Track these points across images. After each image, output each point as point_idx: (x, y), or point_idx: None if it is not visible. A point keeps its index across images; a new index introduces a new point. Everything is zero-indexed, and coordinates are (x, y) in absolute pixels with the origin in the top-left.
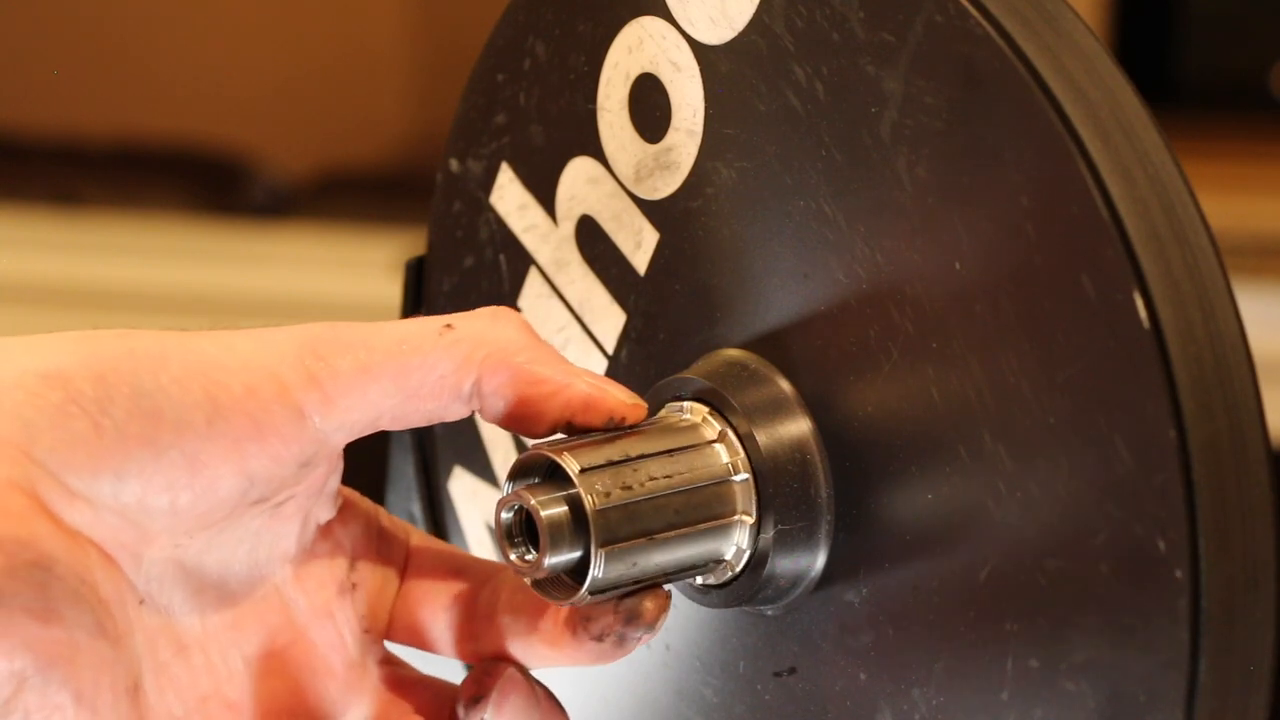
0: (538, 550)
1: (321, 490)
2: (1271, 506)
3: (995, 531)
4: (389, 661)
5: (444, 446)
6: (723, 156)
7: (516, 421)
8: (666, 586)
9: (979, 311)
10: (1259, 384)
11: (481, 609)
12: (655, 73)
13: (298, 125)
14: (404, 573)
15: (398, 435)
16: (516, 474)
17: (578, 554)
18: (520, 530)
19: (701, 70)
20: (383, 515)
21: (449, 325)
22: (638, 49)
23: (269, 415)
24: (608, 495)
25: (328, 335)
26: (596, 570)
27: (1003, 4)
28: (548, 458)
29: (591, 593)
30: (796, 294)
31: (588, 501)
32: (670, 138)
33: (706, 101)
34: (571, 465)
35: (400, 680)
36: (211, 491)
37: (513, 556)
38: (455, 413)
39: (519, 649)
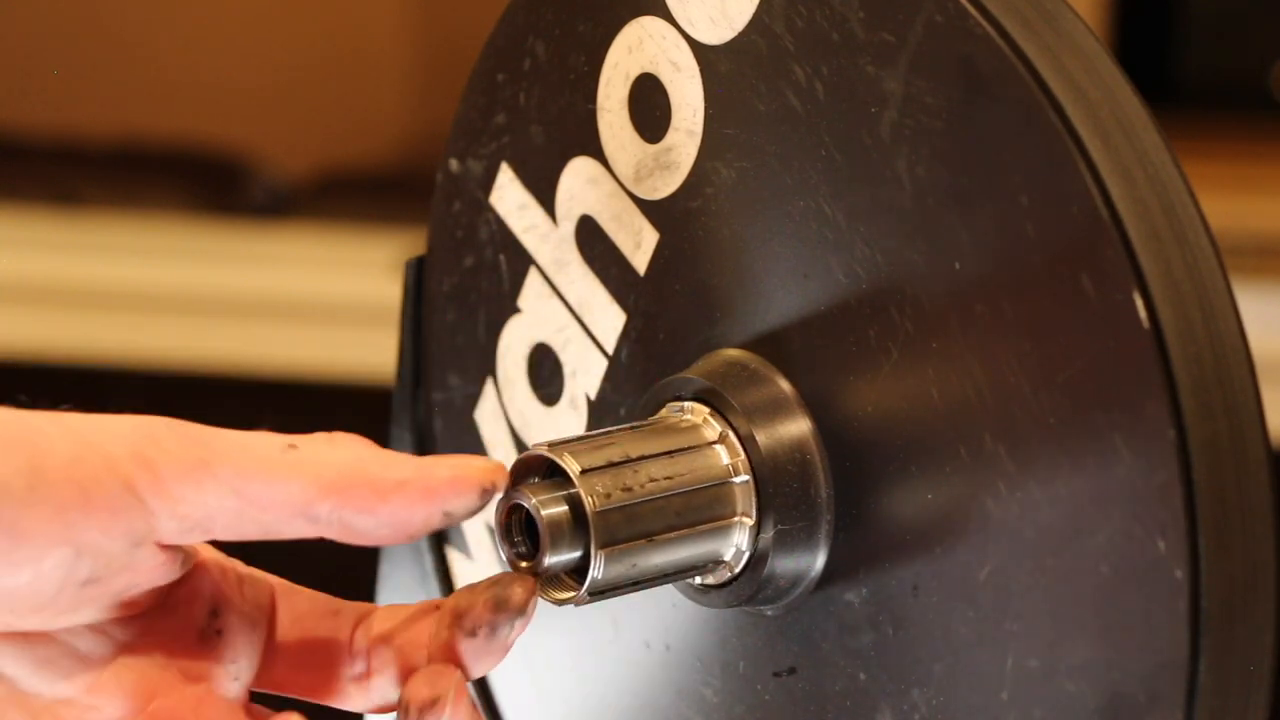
0: (538, 551)
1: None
2: (1271, 506)
3: (995, 531)
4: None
5: (444, 446)
6: (723, 156)
7: (388, 529)
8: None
9: (979, 311)
10: (1259, 384)
11: (357, 647)
12: (655, 73)
13: (297, 125)
14: (272, 619)
15: (397, 434)
16: (517, 474)
17: (577, 554)
18: (520, 530)
19: (701, 70)
20: (239, 565)
21: (292, 445)
22: (638, 49)
23: (97, 485)
24: (608, 496)
25: (165, 428)
26: (596, 571)
27: (1003, 4)
28: (548, 458)
29: (591, 593)
30: (796, 294)
31: (588, 503)
32: (670, 138)
33: (706, 101)
34: (572, 466)
35: None
36: (35, 563)
37: (512, 557)
38: (295, 530)
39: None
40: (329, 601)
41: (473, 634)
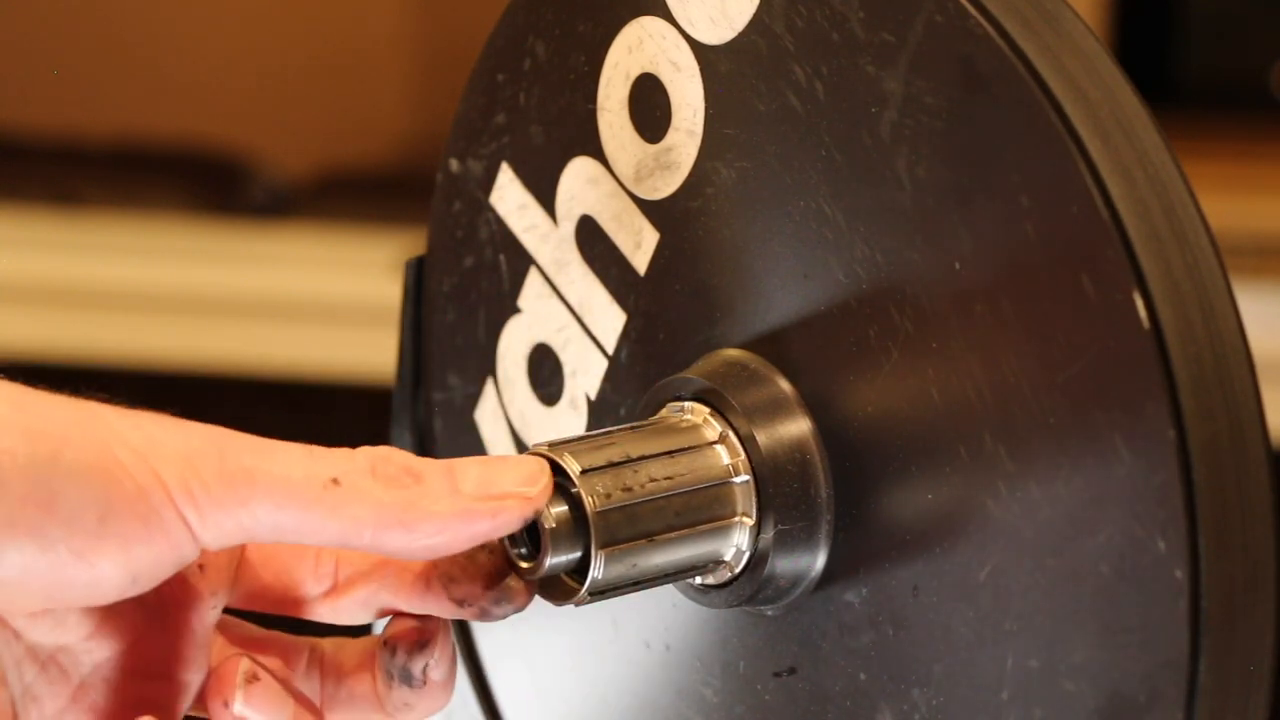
0: (538, 551)
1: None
2: (1271, 506)
3: (995, 531)
4: (229, 625)
5: (444, 446)
6: (723, 156)
7: (424, 558)
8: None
9: (979, 311)
10: (1259, 384)
11: (324, 566)
12: (655, 73)
13: (297, 125)
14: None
15: (398, 434)
16: None
17: (578, 554)
18: (520, 531)
19: (701, 70)
20: None
21: (335, 480)
22: (638, 49)
23: (157, 519)
24: (609, 497)
25: (211, 456)
26: (596, 572)
27: (1003, 4)
28: (548, 458)
29: (591, 593)
30: (796, 294)
31: (588, 503)
32: (670, 138)
33: (706, 101)
34: (573, 466)
35: (243, 638)
36: (94, 586)
37: (513, 556)
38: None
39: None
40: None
41: (462, 604)
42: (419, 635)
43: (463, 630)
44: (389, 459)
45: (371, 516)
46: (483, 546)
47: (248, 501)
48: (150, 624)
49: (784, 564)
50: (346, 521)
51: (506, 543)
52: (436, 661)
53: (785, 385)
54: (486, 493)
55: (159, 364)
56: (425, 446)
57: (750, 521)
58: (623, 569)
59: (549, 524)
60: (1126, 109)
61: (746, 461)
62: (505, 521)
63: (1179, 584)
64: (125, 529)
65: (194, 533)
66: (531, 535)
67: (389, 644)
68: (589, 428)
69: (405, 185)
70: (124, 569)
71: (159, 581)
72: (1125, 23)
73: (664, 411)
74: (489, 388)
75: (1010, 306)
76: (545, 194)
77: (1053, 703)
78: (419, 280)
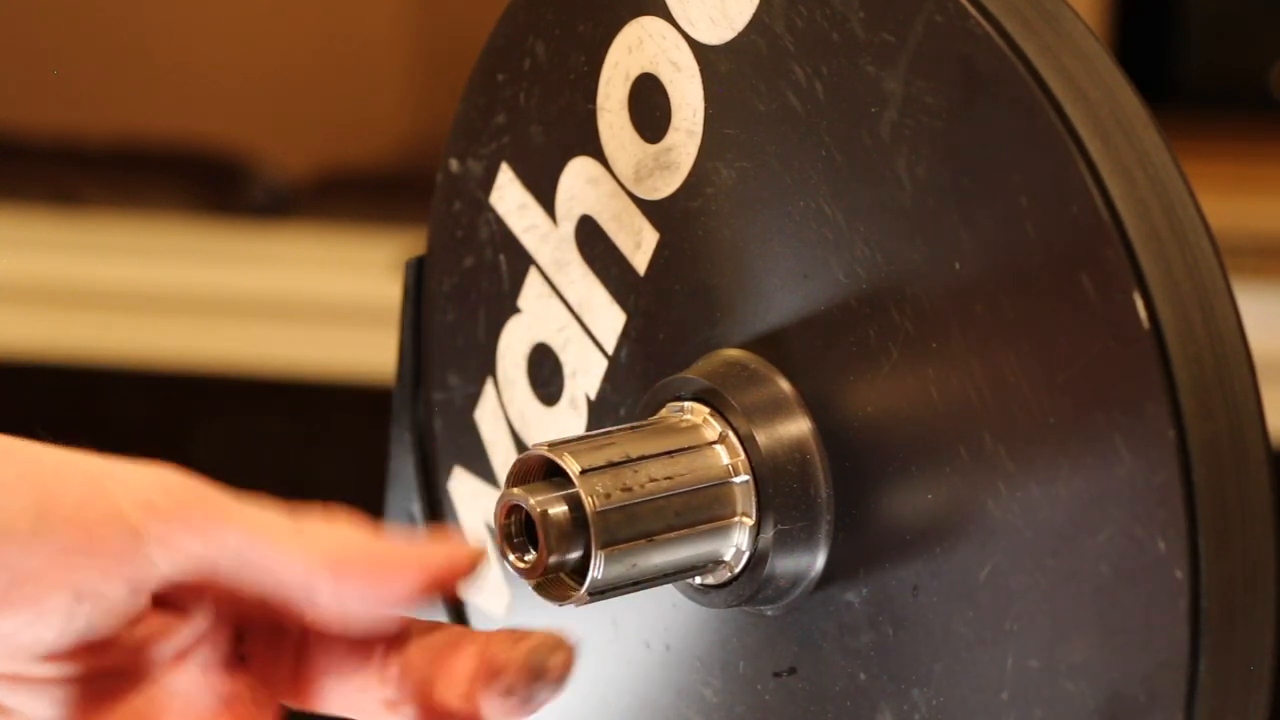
0: (538, 551)
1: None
2: (1271, 506)
3: (995, 531)
4: None
5: (444, 446)
6: (723, 156)
7: (381, 609)
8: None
9: (979, 311)
10: (1259, 384)
11: (389, 671)
12: (655, 73)
13: (298, 125)
14: (302, 634)
15: (397, 434)
16: (517, 474)
17: (577, 554)
18: (520, 531)
19: (701, 70)
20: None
21: (298, 528)
22: (638, 49)
23: (102, 529)
24: (608, 497)
25: (179, 481)
26: (596, 571)
27: (1003, 4)
28: (548, 458)
29: (591, 594)
30: (796, 294)
31: (588, 503)
32: (670, 138)
33: (706, 101)
34: (572, 466)
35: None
36: (35, 603)
37: (512, 557)
38: (293, 605)
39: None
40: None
41: (508, 694)
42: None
43: (459, 623)
44: (343, 515)
45: (336, 546)
46: (529, 643)
47: (217, 521)
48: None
49: (784, 564)
50: (313, 555)
51: (506, 544)
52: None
53: (785, 385)
54: (444, 549)
55: (159, 364)
56: (425, 446)
57: (750, 521)
58: (622, 569)
59: (548, 524)
60: (1126, 109)
61: (746, 461)
62: (460, 571)
63: (1179, 584)
64: (63, 538)
65: (149, 552)
66: (531, 536)
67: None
68: (589, 428)
69: (405, 185)
70: (64, 584)
71: (113, 617)
72: (1125, 23)
73: (664, 411)
74: (489, 388)
75: (1010, 306)
76: (545, 194)
77: (1053, 703)
78: (419, 280)
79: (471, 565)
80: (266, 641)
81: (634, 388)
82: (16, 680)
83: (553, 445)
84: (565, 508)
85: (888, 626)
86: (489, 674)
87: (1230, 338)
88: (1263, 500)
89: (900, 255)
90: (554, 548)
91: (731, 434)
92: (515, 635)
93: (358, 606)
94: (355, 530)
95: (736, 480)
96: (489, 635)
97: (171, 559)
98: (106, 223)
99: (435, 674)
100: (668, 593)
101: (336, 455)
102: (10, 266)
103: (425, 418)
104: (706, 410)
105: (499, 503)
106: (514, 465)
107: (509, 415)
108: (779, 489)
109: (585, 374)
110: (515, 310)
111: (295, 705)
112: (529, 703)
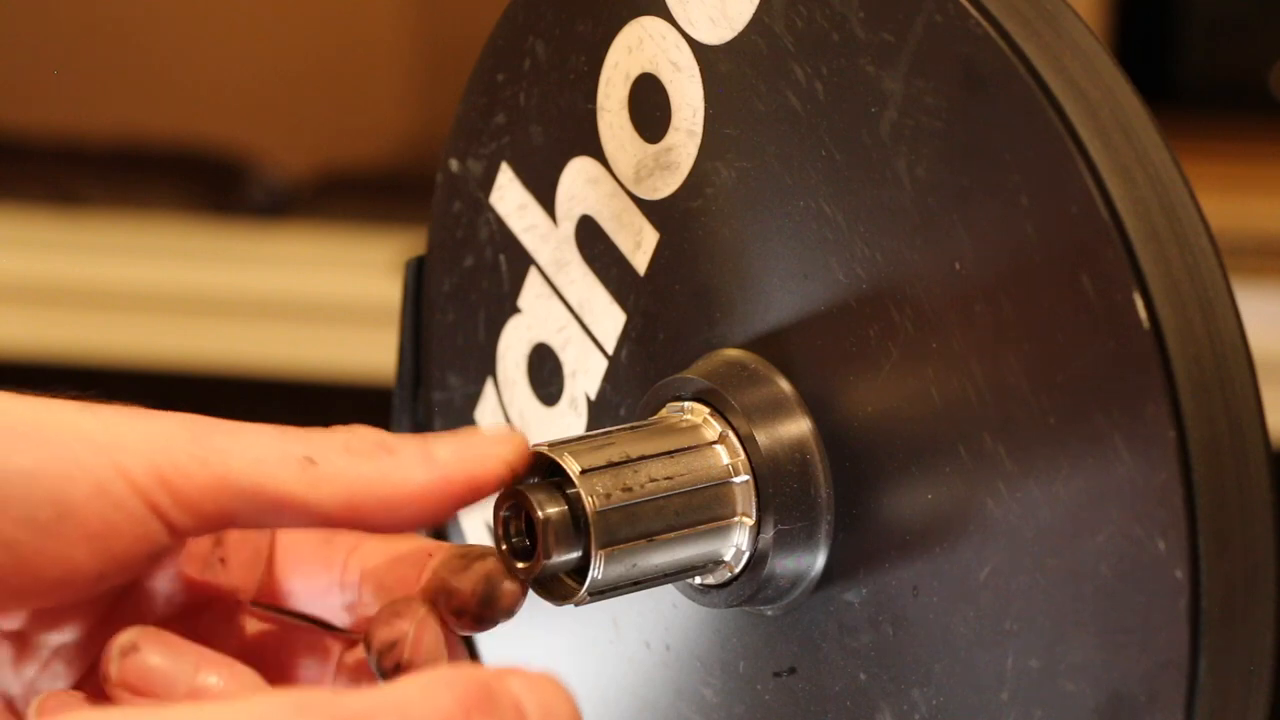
0: (537, 551)
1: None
2: (1271, 506)
3: (995, 531)
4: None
5: None
6: (723, 156)
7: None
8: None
9: (979, 311)
10: (1259, 384)
11: (349, 577)
12: (655, 73)
13: (298, 125)
14: (271, 542)
15: (397, 434)
16: None
17: (577, 554)
18: (520, 531)
19: (701, 70)
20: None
21: (310, 460)
22: (638, 49)
23: (121, 513)
24: (608, 497)
25: (184, 439)
26: (596, 571)
27: (1003, 4)
28: (548, 458)
29: (591, 594)
30: (796, 294)
31: (588, 503)
32: (670, 138)
33: (706, 101)
34: (572, 466)
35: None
36: (64, 584)
37: (512, 557)
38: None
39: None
40: (322, 531)
41: (458, 615)
42: (389, 634)
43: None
44: (361, 435)
45: (348, 491)
46: (481, 568)
47: (224, 481)
48: (168, 619)
49: (784, 564)
50: (324, 497)
51: (505, 545)
52: (409, 653)
53: (785, 385)
54: (461, 458)
55: (159, 364)
56: None
57: (750, 521)
58: (622, 569)
59: (548, 524)
60: (1126, 109)
61: (746, 461)
62: (483, 486)
63: (1179, 584)
64: (86, 527)
65: (168, 519)
66: (531, 535)
67: (367, 644)
68: (589, 428)
69: (405, 185)
70: (90, 566)
71: (135, 572)
72: (1125, 23)
73: (664, 411)
74: (489, 388)
75: (1010, 306)
76: (545, 194)
77: (1053, 703)
78: (419, 280)
79: (498, 478)
80: (243, 545)
81: (634, 388)
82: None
83: (553, 445)
84: (565, 507)
85: (888, 626)
86: (440, 593)
87: (1230, 338)
88: (1263, 500)
89: (900, 255)
90: (553, 548)
91: (731, 434)
92: (468, 557)
93: (378, 527)
94: (368, 462)
95: (736, 480)
96: (443, 554)
97: (190, 525)
98: (106, 223)
99: (393, 585)
100: (668, 593)
101: None
102: (10, 266)
103: (425, 418)
104: (706, 410)
105: (497, 501)
106: None
107: (509, 415)
108: (779, 489)
109: (585, 374)
110: (515, 310)
111: (265, 603)
112: (481, 624)
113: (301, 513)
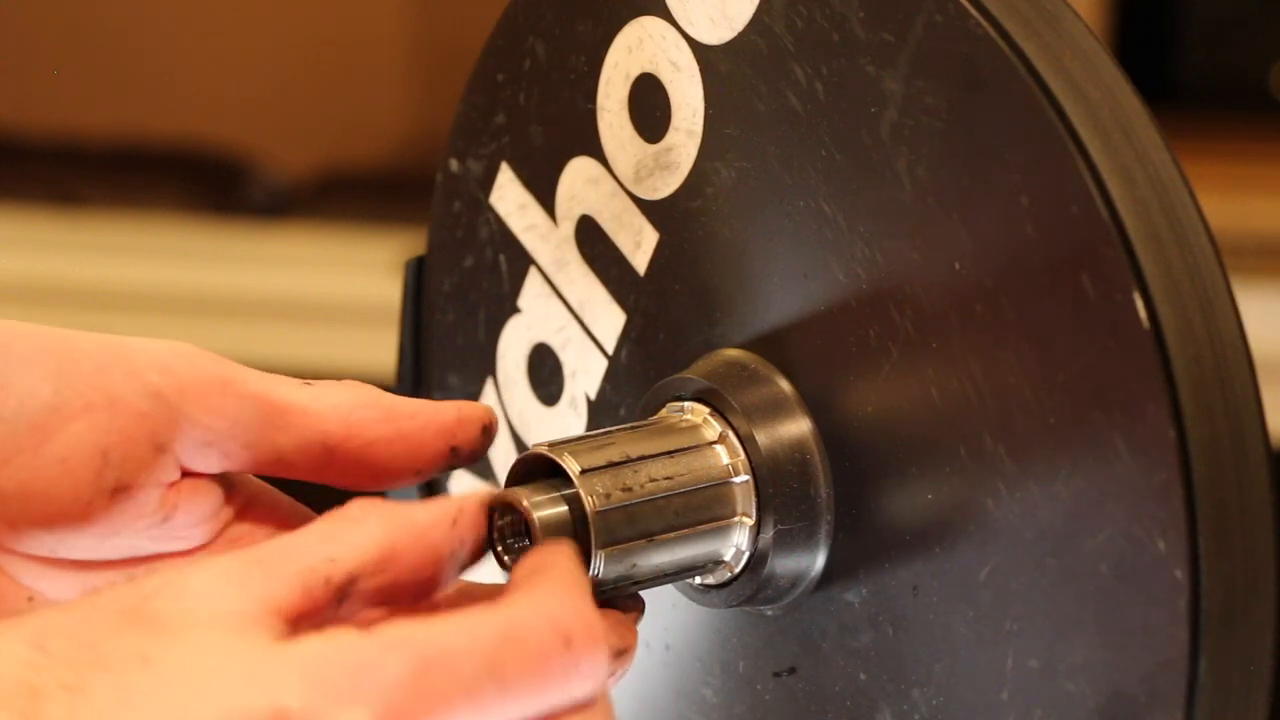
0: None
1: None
2: (1271, 506)
3: (995, 531)
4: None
5: None
6: (723, 156)
7: (401, 460)
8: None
9: (979, 311)
10: (1259, 384)
11: None
12: (655, 73)
13: (298, 125)
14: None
15: None
16: (517, 474)
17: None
18: (520, 531)
19: (701, 70)
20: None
21: (307, 383)
22: (638, 49)
23: (123, 389)
24: (608, 497)
25: (194, 348)
26: (596, 571)
27: (1003, 4)
28: (548, 458)
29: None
30: (796, 294)
31: (588, 503)
32: (670, 138)
33: (706, 101)
34: (572, 466)
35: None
36: (63, 462)
37: (508, 559)
38: (310, 459)
39: None
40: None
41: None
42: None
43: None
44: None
45: (351, 402)
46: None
47: (233, 380)
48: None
49: (784, 564)
50: (326, 409)
51: (502, 545)
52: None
53: (785, 385)
54: (453, 405)
55: None
56: None
57: (750, 521)
58: (622, 569)
59: (544, 519)
60: (1126, 109)
61: (746, 461)
62: (471, 426)
63: (1179, 584)
64: (86, 398)
65: (170, 408)
66: (528, 534)
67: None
68: (589, 428)
69: (405, 185)
70: (90, 442)
71: (142, 475)
72: (1125, 23)
73: (664, 411)
74: (489, 388)
75: (1010, 306)
76: (545, 194)
77: (1053, 703)
78: (419, 280)
79: (482, 420)
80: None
81: (634, 388)
82: (48, 564)
83: (553, 445)
84: (564, 507)
85: (888, 626)
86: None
87: (1230, 338)
88: (1263, 500)
89: (900, 255)
90: None
91: (731, 434)
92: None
93: (375, 458)
94: (366, 390)
95: (736, 480)
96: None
97: (194, 418)
98: (106, 223)
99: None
100: (668, 593)
101: None
102: (10, 266)
103: None
104: (706, 410)
105: (496, 503)
106: (514, 465)
107: (509, 415)
108: (779, 489)
109: (585, 374)
110: (515, 310)
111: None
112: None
113: (303, 424)
